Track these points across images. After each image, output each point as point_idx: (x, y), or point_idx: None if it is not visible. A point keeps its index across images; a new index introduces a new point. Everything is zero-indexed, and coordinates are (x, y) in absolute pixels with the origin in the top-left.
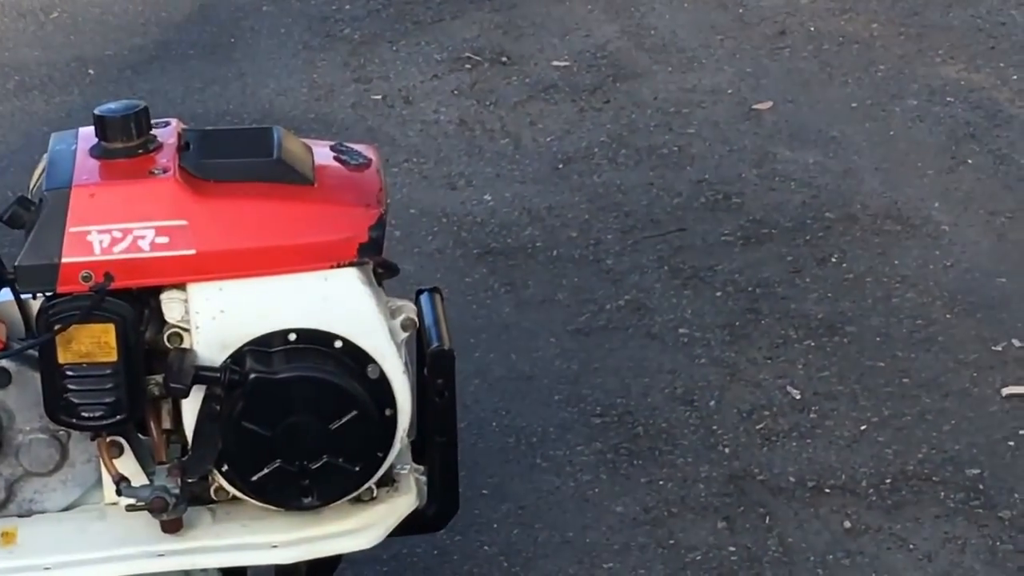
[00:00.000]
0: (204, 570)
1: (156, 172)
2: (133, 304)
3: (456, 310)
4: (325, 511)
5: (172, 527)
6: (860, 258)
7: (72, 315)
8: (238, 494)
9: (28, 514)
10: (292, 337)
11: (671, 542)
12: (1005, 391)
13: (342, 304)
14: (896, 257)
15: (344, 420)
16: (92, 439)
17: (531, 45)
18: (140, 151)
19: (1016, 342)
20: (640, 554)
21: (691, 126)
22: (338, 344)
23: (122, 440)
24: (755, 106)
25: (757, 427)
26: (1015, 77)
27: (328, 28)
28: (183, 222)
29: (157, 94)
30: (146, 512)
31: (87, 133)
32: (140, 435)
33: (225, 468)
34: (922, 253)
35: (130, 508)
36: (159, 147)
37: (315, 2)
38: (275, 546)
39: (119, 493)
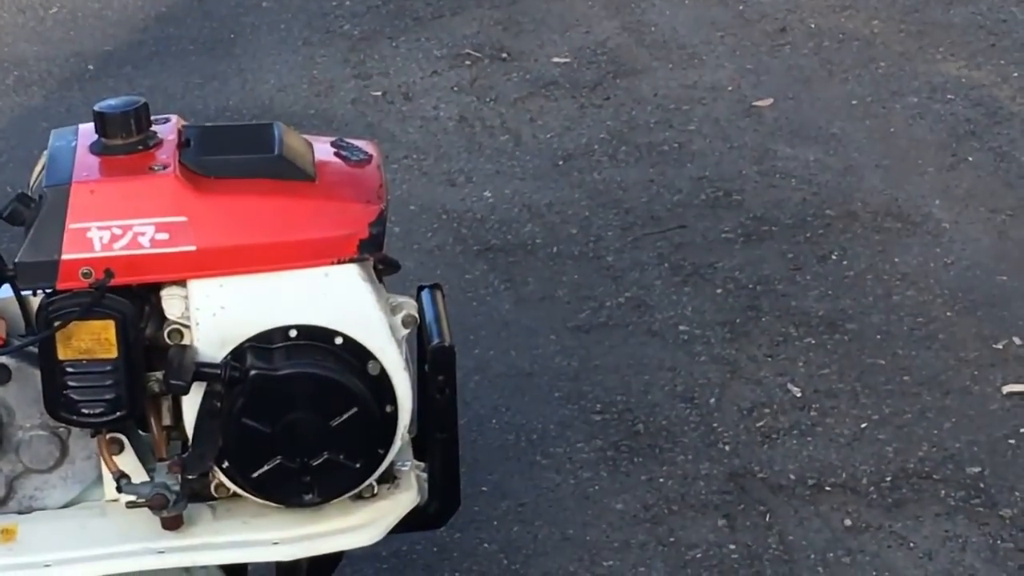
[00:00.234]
0: (205, 567)
1: (156, 168)
2: (133, 301)
3: (456, 307)
4: (326, 508)
5: (172, 524)
6: (860, 255)
7: (72, 312)
8: (239, 491)
9: (28, 511)
10: (293, 333)
11: (671, 540)
12: (1006, 389)
13: (343, 300)
14: (897, 255)
15: (344, 417)
16: (92, 436)
17: (531, 41)
18: (140, 147)
19: (1017, 340)
20: (640, 552)
21: (691, 123)
22: (339, 340)
23: (122, 437)
24: (755, 103)
25: (757, 425)
26: (1016, 74)
27: (328, 24)
28: (183, 218)
29: (157, 90)
30: (146, 509)
31: (87, 129)
32: (141, 431)
33: (225, 465)
34: (923, 251)
35: (130, 505)
36: (159, 143)
37: None
38: (276, 543)
39: (119, 490)
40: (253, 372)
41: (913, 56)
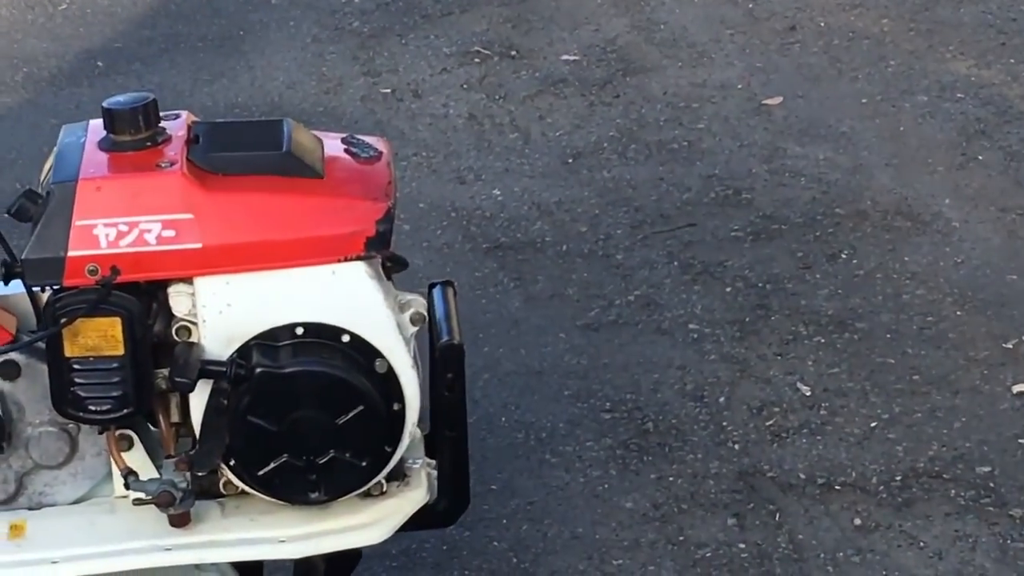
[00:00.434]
0: (215, 565)
1: (163, 165)
2: (140, 298)
3: (465, 305)
4: (334, 505)
5: (180, 521)
6: (870, 254)
7: (78, 309)
8: (247, 488)
9: (38, 507)
10: (299, 331)
11: (681, 538)
12: (1016, 388)
13: (349, 298)
14: (906, 254)
15: (351, 415)
16: (100, 432)
17: (541, 39)
18: (148, 144)
19: None
20: (650, 550)
21: (701, 121)
22: (345, 338)
23: (131, 433)
24: (765, 101)
25: (767, 424)
26: None
27: (337, 21)
28: (189, 216)
29: (166, 87)
30: (155, 506)
31: (96, 125)
32: (152, 427)
33: (232, 463)
34: (932, 250)
35: (137, 502)
36: (168, 140)
37: None
38: (283, 541)
39: (127, 487)
40: (259, 370)
41: (923, 55)
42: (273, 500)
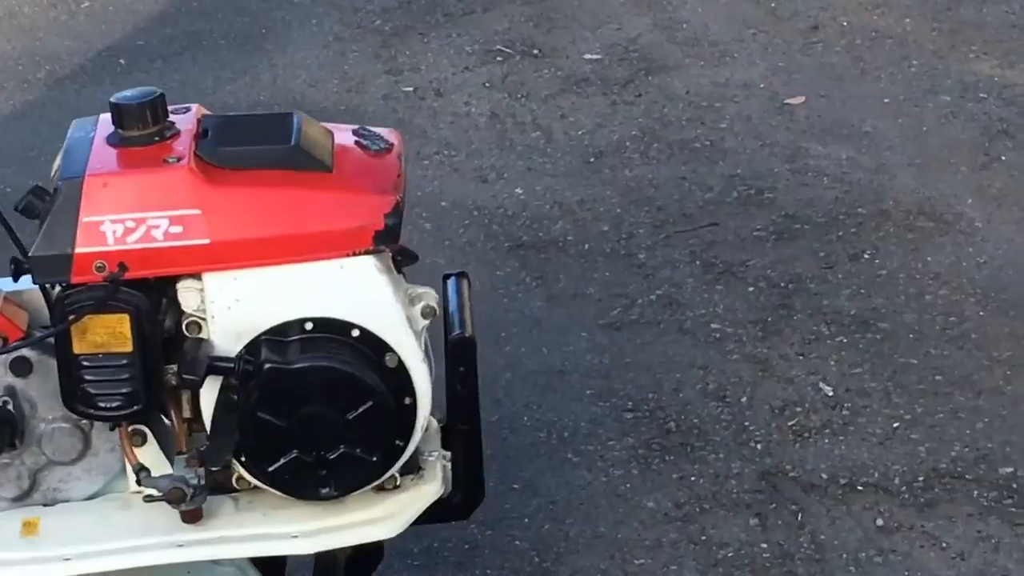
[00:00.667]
0: (232, 559)
1: (170, 160)
2: (149, 294)
3: (487, 304)
4: (348, 500)
5: (192, 517)
6: (893, 254)
7: (86, 306)
8: (259, 484)
9: (53, 503)
10: (308, 326)
11: (703, 538)
12: None
13: (359, 293)
14: (929, 254)
15: (360, 410)
16: (111, 429)
17: (563, 38)
18: (156, 139)
19: None
20: (672, 550)
21: (723, 120)
22: (355, 333)
23: (145, 429)
24: (788, 101)
25: (789, 424)
26: None
27: (359, 19)
28: (197, 211)
29: (188, 84)
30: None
31: (106, 120)
32: (167, 422)
33: (243, 458)
34: (955, 250)
35: (147, 499)
36: (176, 134)
37: None
38: (295, 536)
39: (138, 483)
40: (267, 366)
41: (946, 55)
42: (285, 496)
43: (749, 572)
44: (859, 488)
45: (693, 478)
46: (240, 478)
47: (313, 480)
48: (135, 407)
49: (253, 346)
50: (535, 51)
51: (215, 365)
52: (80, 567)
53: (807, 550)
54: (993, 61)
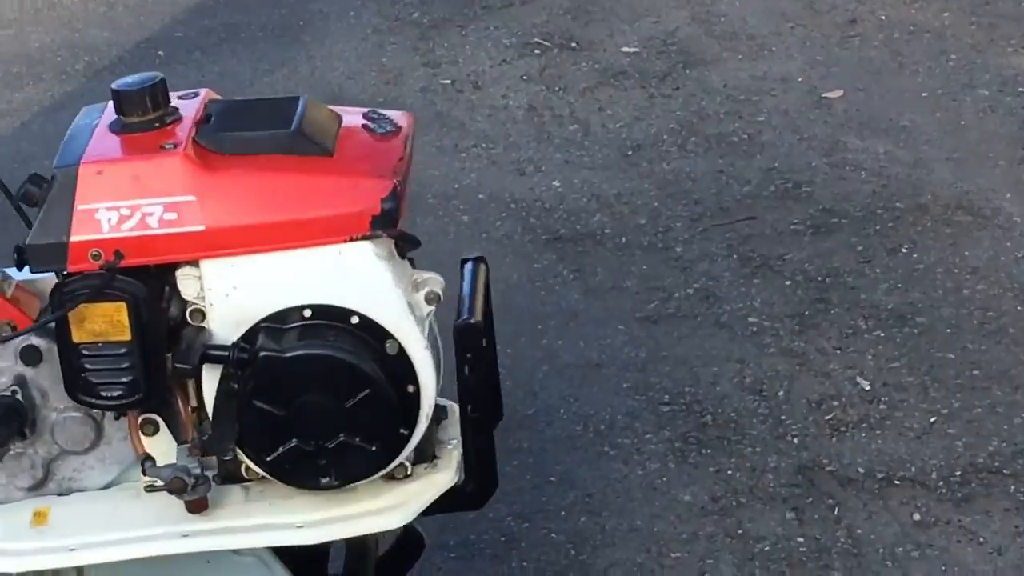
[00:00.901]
0: (251, 549)
1: (167, 146)
2: (149, 281)
3: (524, 296)
4: (356, 489)
5: (196, 507)
6: (930, 249)
7: (82, 294)
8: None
9: (68, 492)
10: (307, 313)
11: (739, 532)
12: None
13: (357, 279)
14: (967, 248)
15: (358, 398)
16: (116, 418)
17: (600, 31)
18: (156, 124)
19: None
20: (708, 544)
21: (761, 114)
22: (354, 320)
23: (156, 417)
24: (825, 95)
25: (826, 418)
26: None
27: (397, 12)
28: (191, 198)
29: (227, 76)
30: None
31: (112, 107)
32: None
33: (244, 447)
34: (993, 244)
35: (149, 488)
36: (178, 120)
37: None
38: (300, 527)
39: (143, 472)
40: (262, 354)
41: (984, 48)
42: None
43: (786, 566)
44: (896, 483)
45: (730, 472)
46: (249, 468)
47: (313, 470)
48: (137, 396)
49: (250, 334)
50: (573, 44)
51: (210, 354)
52: (84, 558)
53: (844, 544)
54: None
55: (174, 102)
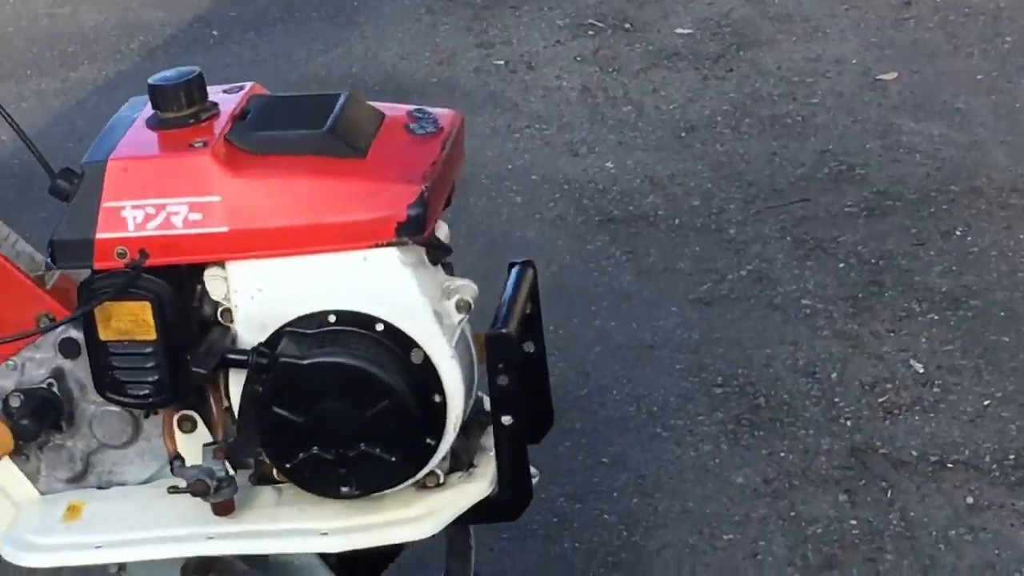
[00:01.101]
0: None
1: (196, 144)
2: (176, 281)
3: (577, 277)
4: (386, 497)
5: (223, 509)
6: (985, 231)
7: (106, 292)
8: None
9: (108, 485)
10: (332, 319)
11: (792, 514)
12: None
13: (382, 286)
14: (1022, 231)
15: (378, 408)
16: (145, 416)
17: (654, 12)
18: (191, 121)
19: None
20: (760, 526)
21: (815, 96)
22: (379, 327)
23: (194, 414)
24: (880, 77)
25: (879, 400)
26: None
27: None
28: (216, 198)
29: (281, 56)
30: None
31: None
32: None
33: (266, 452)
34: None
35: (172, 490)
36: (215, 116)
37: None
38: (325, 533)
39: (172, 472)
40: (281, 360)
41: None
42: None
43: (838, 548)
44: (949, 466)
45: (782, 454)
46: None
47: (333, 478)
48: (163, 396)
49: (273, 338)
50: (626, 25)
51: (228, 358)
52: (107, 556)
53: (896, 527)
54: None
55: (216, 96)
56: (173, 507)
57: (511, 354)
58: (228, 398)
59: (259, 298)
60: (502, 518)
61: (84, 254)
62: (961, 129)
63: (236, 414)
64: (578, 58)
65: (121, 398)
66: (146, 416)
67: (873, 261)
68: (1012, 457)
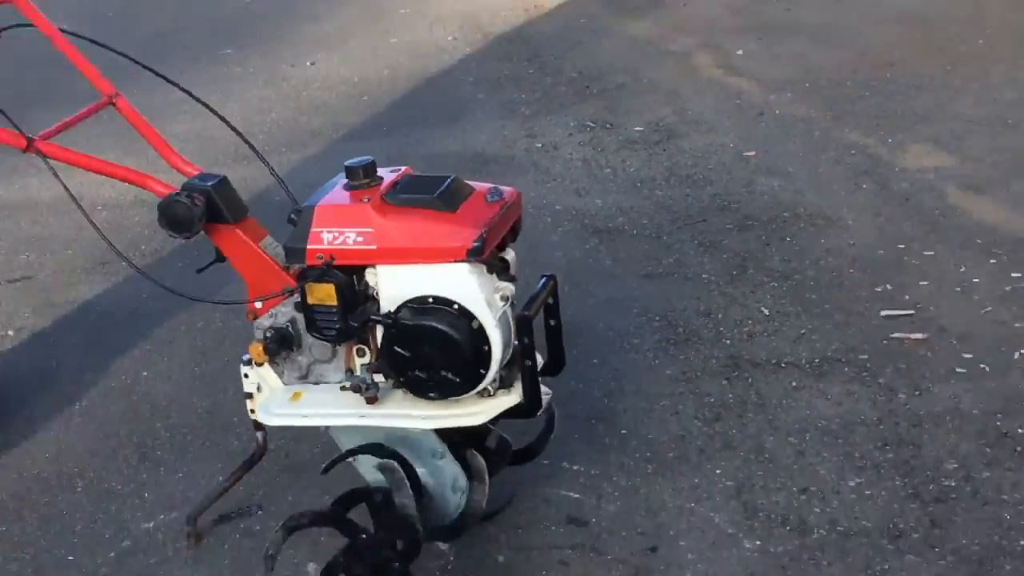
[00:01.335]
0: (446, 456)
1: (364, 200)
2: (348, 274)
3: (579, 262)
4: (461, 400)
5: (370, 401)
6: (803, 238)
7: (311, 277)
8: None
9: (318, 383)
10: (430, 300)
11: (695, 391)
12: None
13: (458, 283)
14: (823, 238)
15: (449, 350)
16: (333, 346)
17: (623, 118)
18: (364, 186)
19: None
20: (677, 397)
21: (710, 164)
22: (455, 307)
23: (364, 347)
24: (745, 153)
25: (744, 330)
26: None
27: (512, 108)
28: (371, 229)
29: (420, 142)
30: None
31: None
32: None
33: (391, 370)
34: (834, 236)
35: (342, 388)
36: (378, 184)
37: (506, 94)
38: (423, 417)
39: (346, 378)
40: (401, 321)
41: (832, 128)
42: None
43: (721, 409)
44: (783, 366)
45: (691, 360)
46: None
47: (425, 388)
48: (340, 336)
49: (398, 309)
50: (607, 125)
51: (373, 318)
52: (306, 421)
53: (754, 399)
54: None
55: (383, 172)
56: (346, 398)
57: (529, 327)
58: (376, 340)
59: (391, 286)
60: (525, 415)
61: (300, 256)
62: (790, 183)
63: (379, 349)
64: (581, 143)
65: (319, 336)
66: (333, 348)
67: (741, 254)
68: (817, 360)
